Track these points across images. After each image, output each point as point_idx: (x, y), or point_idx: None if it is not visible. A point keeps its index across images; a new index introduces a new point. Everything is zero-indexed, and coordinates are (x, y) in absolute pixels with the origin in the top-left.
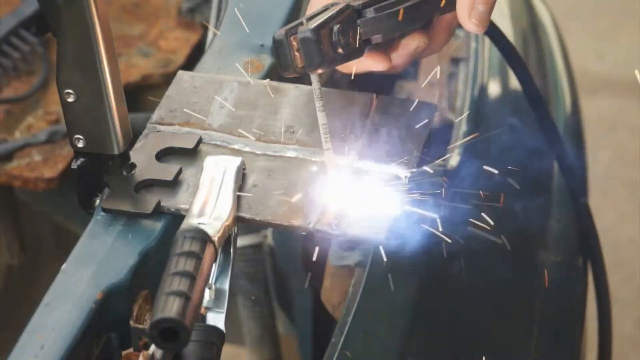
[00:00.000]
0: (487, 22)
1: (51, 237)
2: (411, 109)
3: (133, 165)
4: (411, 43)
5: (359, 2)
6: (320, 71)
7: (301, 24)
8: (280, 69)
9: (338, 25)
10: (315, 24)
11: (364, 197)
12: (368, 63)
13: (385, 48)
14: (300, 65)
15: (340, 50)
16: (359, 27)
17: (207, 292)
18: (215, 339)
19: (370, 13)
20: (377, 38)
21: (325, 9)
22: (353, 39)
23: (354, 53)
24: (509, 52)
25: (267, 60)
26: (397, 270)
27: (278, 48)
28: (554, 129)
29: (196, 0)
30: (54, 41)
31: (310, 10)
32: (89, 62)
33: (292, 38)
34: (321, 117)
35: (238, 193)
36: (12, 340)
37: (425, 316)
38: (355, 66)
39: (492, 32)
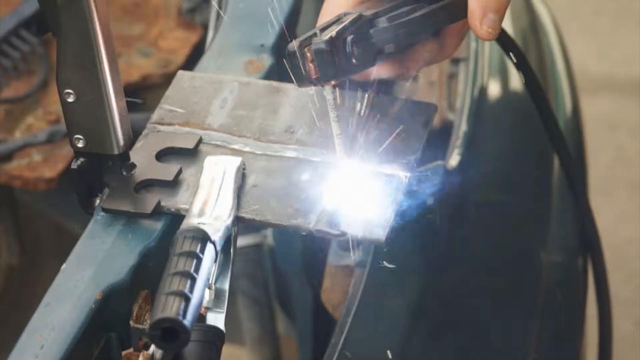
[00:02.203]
0: (498, 30)
1: (51, 237)
2: (411, 109)
3: (133, 165)
4: (423, 50)
5: (371, 12)
6: (333, 82)
7: (315, 35)
8: (294, 81)
9: (351, 36)
10: (329, 35)
11: (364, 198)
12: (380, 71)
13: (397, 56)
14: (314, 77)
15: (353, 61)
16: (371, 37)
17: (207, 292)
18: (215, 339)
19: (382, 23)
20: (389, 47)
21: (338, 19)
22: (366, 49)
23: (367, 62)
24: (518, 59)
25: (267, 60)
26: (397, 270)
27: (292, 60)
28: (557, 130)
29: (196, 0)
30: (54, 41)
31: (322, 19)
32: (89, 62)
33: (306, 49)
34: (335, 128)
35: (238, 193)
36: (12, 340)
37: (425, 316)
38: (367, 74)
39: (502, 38)
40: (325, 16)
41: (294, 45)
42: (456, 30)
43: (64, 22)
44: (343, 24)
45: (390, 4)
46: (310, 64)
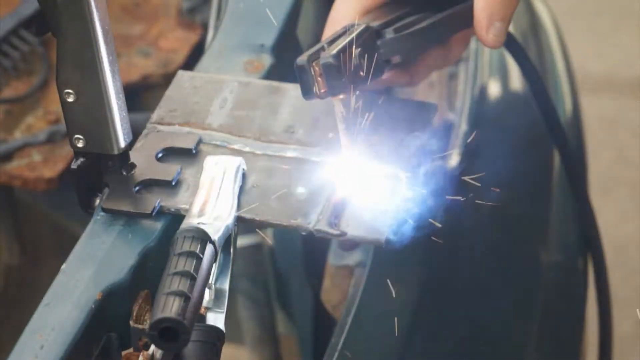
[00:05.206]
0: (504, 37)
1: (51, 237)
2: (411, 109)
3: (133, 165)
4: (429, 59)
5: (378, 23)
6: (342, 96)
7: (322, 48)
8: (303, 94)
9: (359, 49)
10: (337, 49)
11: (364, 198)
12: (388, 80)
13: (404, 64)
14: (322, 90)
15: (361, 74)
16: (379, 49)
17: (207, 292)
18: (215, 339)
19: (389, 34)
20: (396, 58)
21: (345, 31)
22: (373, 60)
23: (375, 74)
24: (524, 63)
25: (267, 60)
26: (398, 270)
27: (301, 74)
28: (559, 129)
29: (196, 0)
30: (54, 41)
31: (329, 31)
32: (89, 62)
33: (314, 64)
34: (344, 140)
35: (238, 193)
36: (12, 340)
37: (425, 316)
38: (374, 83)
39: (508, 42)
40: (331, 28)
41: (302, 59)
42: (462, 37)
43: (64, 22)
44: (350, 37)
45: (396, 15)
46: (319, 78)
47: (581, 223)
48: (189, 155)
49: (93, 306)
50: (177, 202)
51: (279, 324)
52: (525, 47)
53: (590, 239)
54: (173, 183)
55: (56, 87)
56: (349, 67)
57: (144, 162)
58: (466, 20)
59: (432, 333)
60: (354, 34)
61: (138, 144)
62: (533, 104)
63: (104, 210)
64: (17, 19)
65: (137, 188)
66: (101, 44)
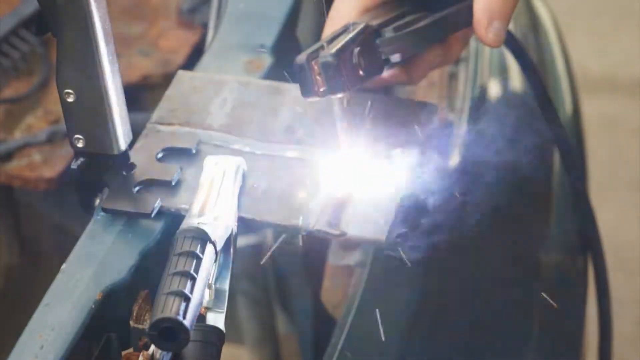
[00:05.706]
0: (503, 37)
1: (51, 237)
2: (411, 109)
3: (133, 165)
4: (428, 57)
5: (377, 22)
6: (341, 95)
7: (322, 47)
8: (302, 93)
9: (358, 48)
10: (336, 47)
11: (363, 198)
12: (387, 79)
13: (403, 63)
14: (322, 89)
15: (360, 72)
16: (378, 48)
17: (207, 292)
18: (215, 339)
19: (389, 32)
20: (396, 57)
21: (345, 30)
22: (373, 59)
23: (374, 73)
24: (523, 60)
25: (267, 60)
26: (398, 270)
27: (300, 72)
28: (561, 130)
29: (196, 0)
30: (54, 41)
31: (328, 29)
32: (89, 62)
33: (313, 63)
34: (343, 139)
35: (238, 193)
36: (12, 340)
37: (425, 316)
38: (373, 82)
39: (508, 41)
40: (331, 27)
41: (302, 58)
42: (461, 36)
43: (64, 22)
44: (349, 36)
45: (395, 13)
46: (318, 77)
47: (581, 223)
48: (189, 155)
49: (93, 306)
50: (177, 202)
51: (279, 324)
52: (525, 47)
53: (590, 239)
54: (173, 183)
55: (56, 87)
56: (348, 66)
57: (144, 162)
58: (466, 19)
59: (432, 333)
60: (354, 33)
61: (138, 144)
62: (533, 103)
63: (104, 210)
64: (17, 19)
65: (137, 188)
66: (101, 44)
